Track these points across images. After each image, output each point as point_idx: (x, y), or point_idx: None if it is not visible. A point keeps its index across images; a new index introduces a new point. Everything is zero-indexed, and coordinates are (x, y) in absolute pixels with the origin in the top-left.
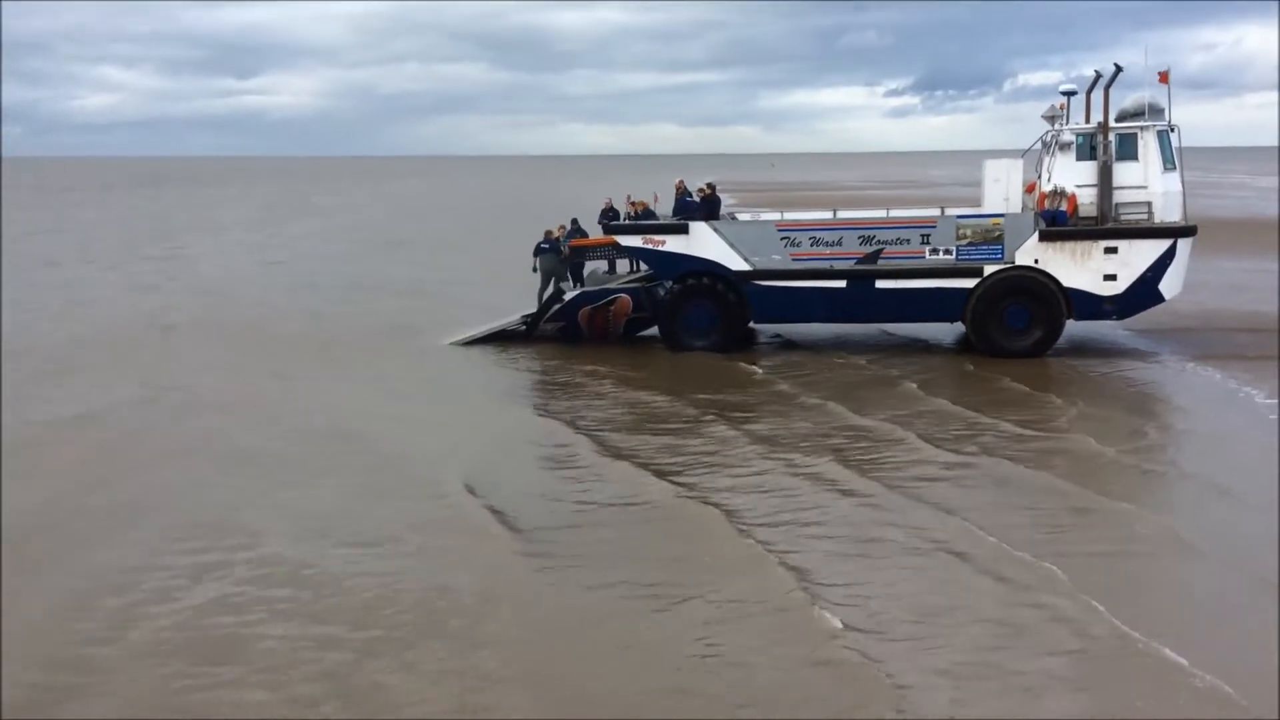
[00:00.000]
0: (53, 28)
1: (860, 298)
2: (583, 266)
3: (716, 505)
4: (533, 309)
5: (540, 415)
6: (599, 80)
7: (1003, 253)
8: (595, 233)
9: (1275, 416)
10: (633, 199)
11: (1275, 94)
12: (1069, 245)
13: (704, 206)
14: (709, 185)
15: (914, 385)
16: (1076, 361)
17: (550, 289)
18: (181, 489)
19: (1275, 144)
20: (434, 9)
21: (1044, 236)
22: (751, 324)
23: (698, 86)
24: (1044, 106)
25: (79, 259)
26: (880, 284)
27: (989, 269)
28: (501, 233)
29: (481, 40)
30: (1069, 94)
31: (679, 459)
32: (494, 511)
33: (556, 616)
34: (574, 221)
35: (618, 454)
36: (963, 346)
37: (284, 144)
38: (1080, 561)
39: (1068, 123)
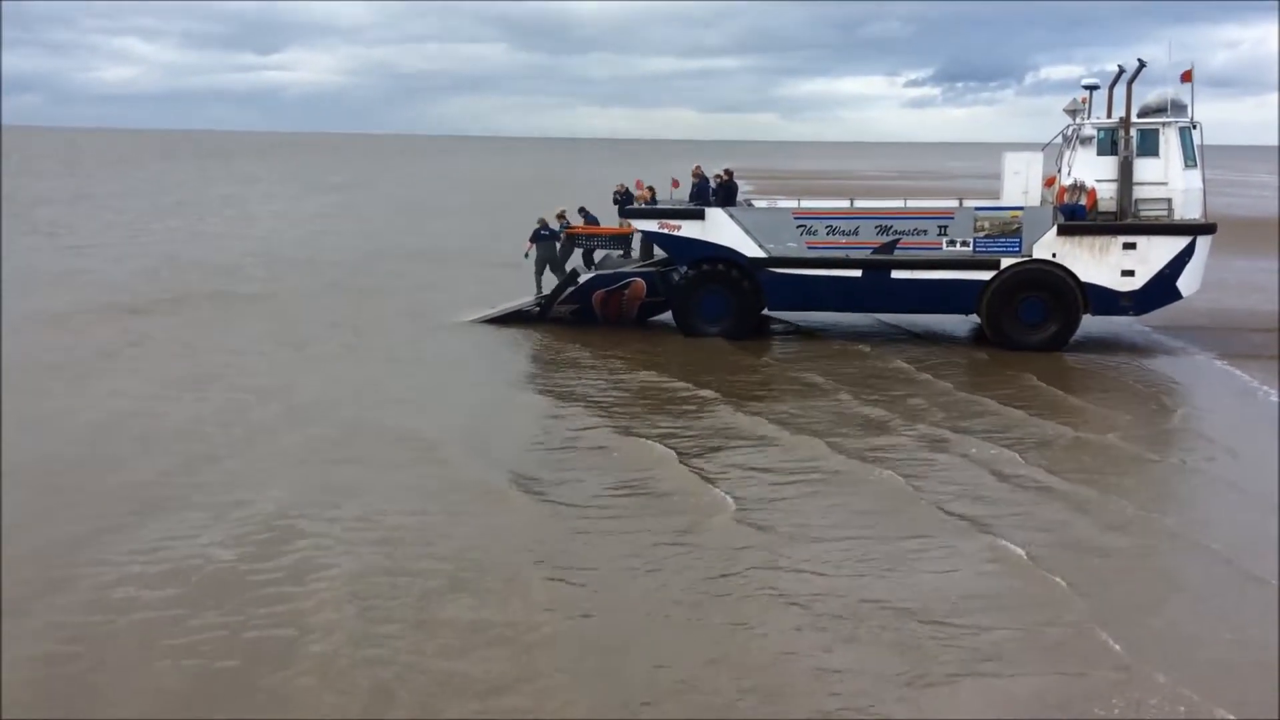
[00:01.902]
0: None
1: (875, 288)
2: (593, 250)
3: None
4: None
5: (541, 394)
6: (617, 64)
7: (1020, 246)
8: (610, 217)
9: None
10: (642, 184)
11: None
12: (1087, 240)
13: (721, 192)
14: (726, 171)
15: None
16: (1092, 356)
17: (546, 276)
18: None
19: None
20: None
21: (1062, 231)
22: (765, 312)
23: (716, 72)
24: (1065, 100)
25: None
26: (896, 274)
27: (1006, 262)
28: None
29: (502, 22)
30: (1091, 88)
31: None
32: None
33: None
34: (582, 210)
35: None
36: (977, 339)
37: (303, 120)
38: None
39: (1089, 117)
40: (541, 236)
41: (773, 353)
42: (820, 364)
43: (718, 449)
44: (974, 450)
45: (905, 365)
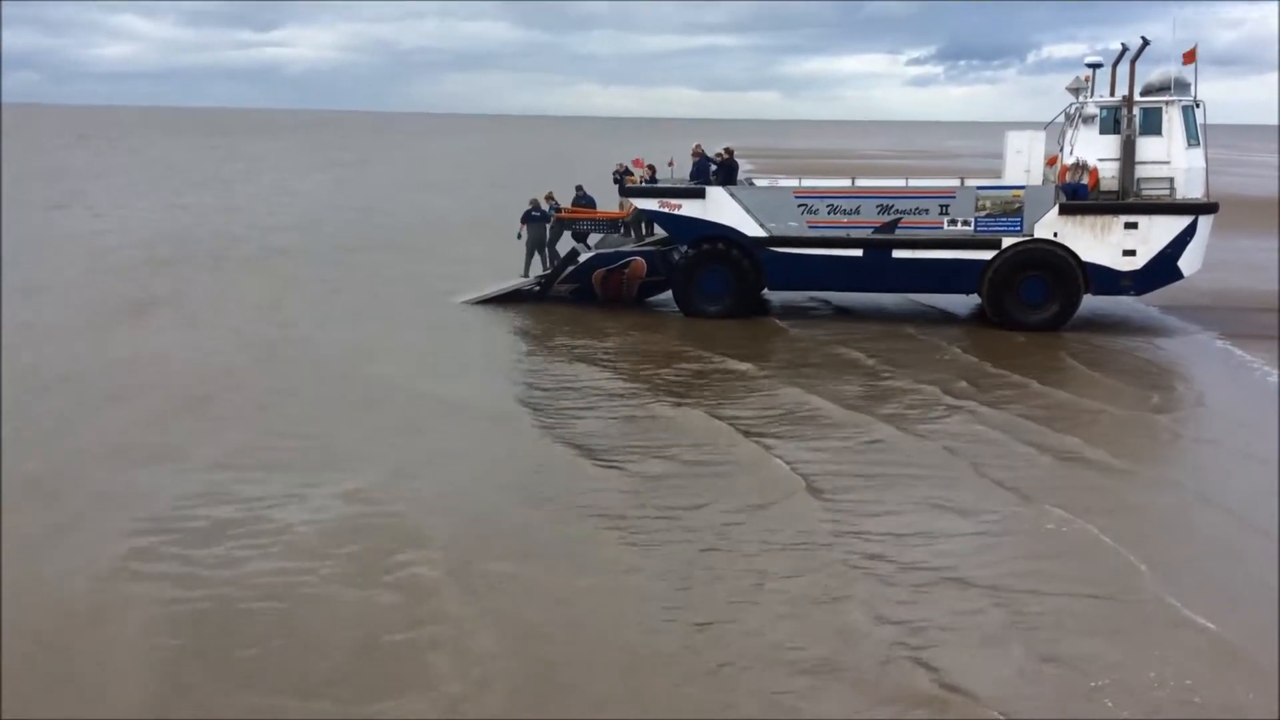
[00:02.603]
0: None
1: (876, 267)
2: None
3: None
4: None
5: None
6: (618, 41)
7: (1022, 225)
8: (608, 195)
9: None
10: (642, 161)
11: None
12: (1089, 219)
13: (721, 171)
14: (726, 150)
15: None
16: (1091, 336)
17: (545, 258)
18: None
19: None
20: None
21: (1064, 210)
22: (765, 291)
23: (717, 50)
24: (1068, 79)
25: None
26: (897, 254)
27: (1007, 241)
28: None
29: None
30: (1094, 66)
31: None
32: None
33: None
34: (579, 188)
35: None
36: (978, 318)
37: (303, 97)
38: None
39: (1092, 95)
40: (533, 218)
41: (816, 331)
42: (866, 344)
43: (779, 424)
44: (1015, 423)
45: (943, 343)
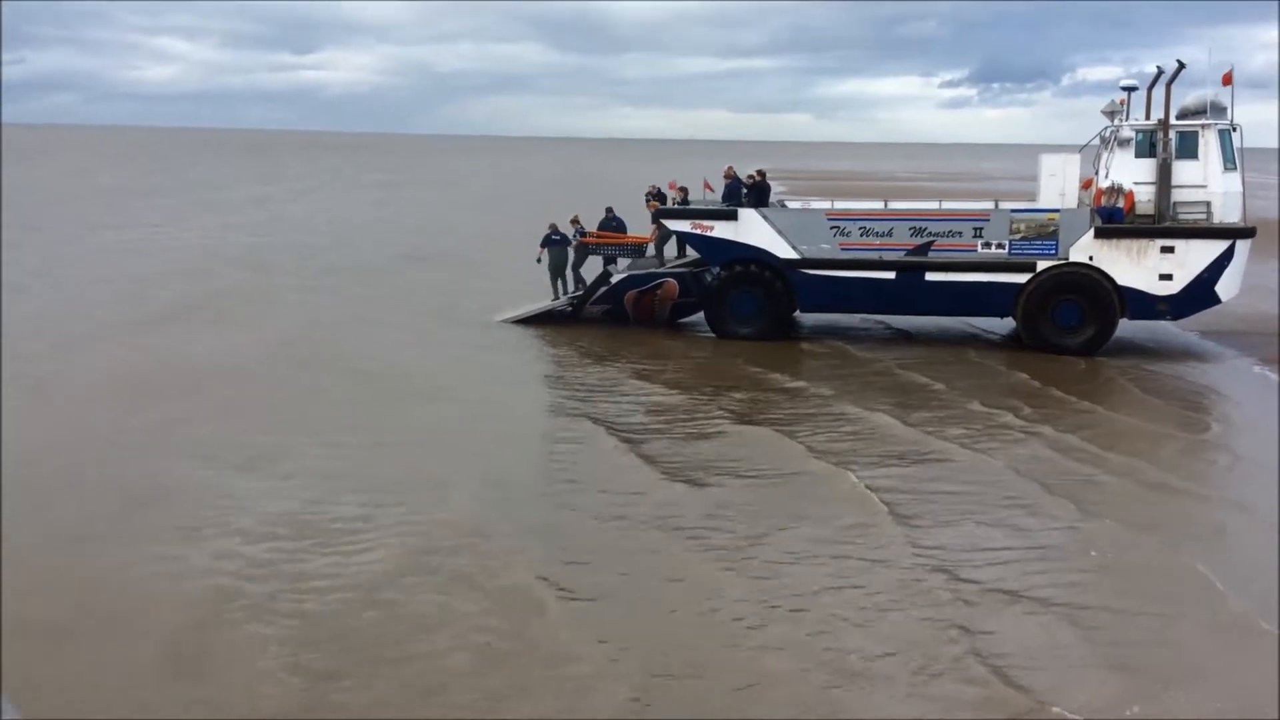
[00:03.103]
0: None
1: (909, 290)
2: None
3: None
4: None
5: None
6: (652, 64)
7: (1057, 248)
8: (639, 217)
9: None
10: (676, 184)
11: None
12: (1125, 243)
13: (753, 193)
14: (759, 172)
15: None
16: (1139, 360)
17: (566, 281)
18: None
19: None
20: None
21: (1099, 233)
22: (797, 313)
23: (751, 73)
24: (1103, 102)
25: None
26: (930, 276)
27: (1042, 264)
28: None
29: (537, 21)
30: (1129, 89)
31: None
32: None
33: None
34: (609, 210)
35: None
36: (1012, 342)
37: (339, 120)
38: None
39: (1127, 119)
40: (552, 242)
41: (879, 354)
42: (930, 368)
43: (848, 443)
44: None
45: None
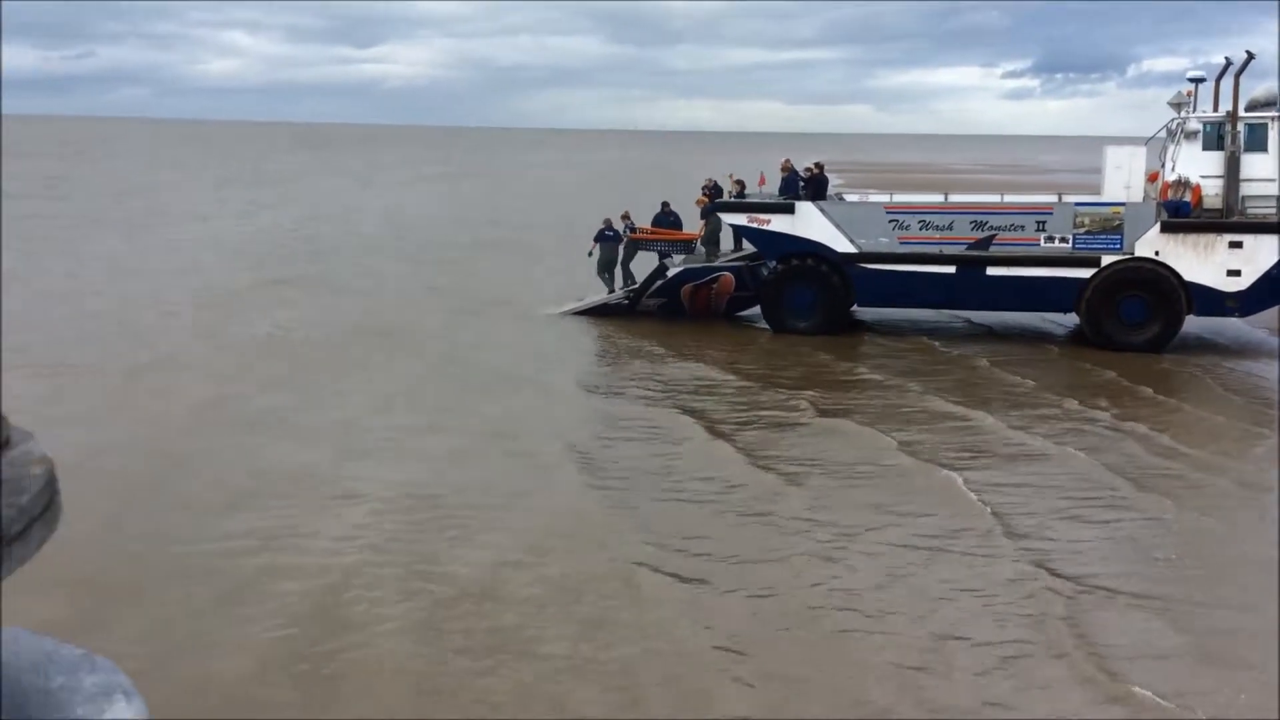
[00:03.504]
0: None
1: (970, 284)
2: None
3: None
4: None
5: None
6: (705, 56)
7: (1122, 243)
8: (693, 213)
9: None
10: (733, 177)
11: None
12: (1192, 238)
13: (810, 186)
14: (816, 165)
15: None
16: (1205, 359)
17: (616, 276)
18: None
19: None
20: None
21: (1166, 228)
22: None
23: (806, 64)
24: (1170, 93)
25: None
26: (991, 271)
27: (1107, 259)
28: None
29: (598, 14)
30: (1197, 81)
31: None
32: None
33: None
34: (664, 205)
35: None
36: (1076, 338)
37: (400, 113)
38: None
39: (1195, 110)
40: (605, 237)
41: (966, 348)
42: (1020, 368)
43: (938, 435)
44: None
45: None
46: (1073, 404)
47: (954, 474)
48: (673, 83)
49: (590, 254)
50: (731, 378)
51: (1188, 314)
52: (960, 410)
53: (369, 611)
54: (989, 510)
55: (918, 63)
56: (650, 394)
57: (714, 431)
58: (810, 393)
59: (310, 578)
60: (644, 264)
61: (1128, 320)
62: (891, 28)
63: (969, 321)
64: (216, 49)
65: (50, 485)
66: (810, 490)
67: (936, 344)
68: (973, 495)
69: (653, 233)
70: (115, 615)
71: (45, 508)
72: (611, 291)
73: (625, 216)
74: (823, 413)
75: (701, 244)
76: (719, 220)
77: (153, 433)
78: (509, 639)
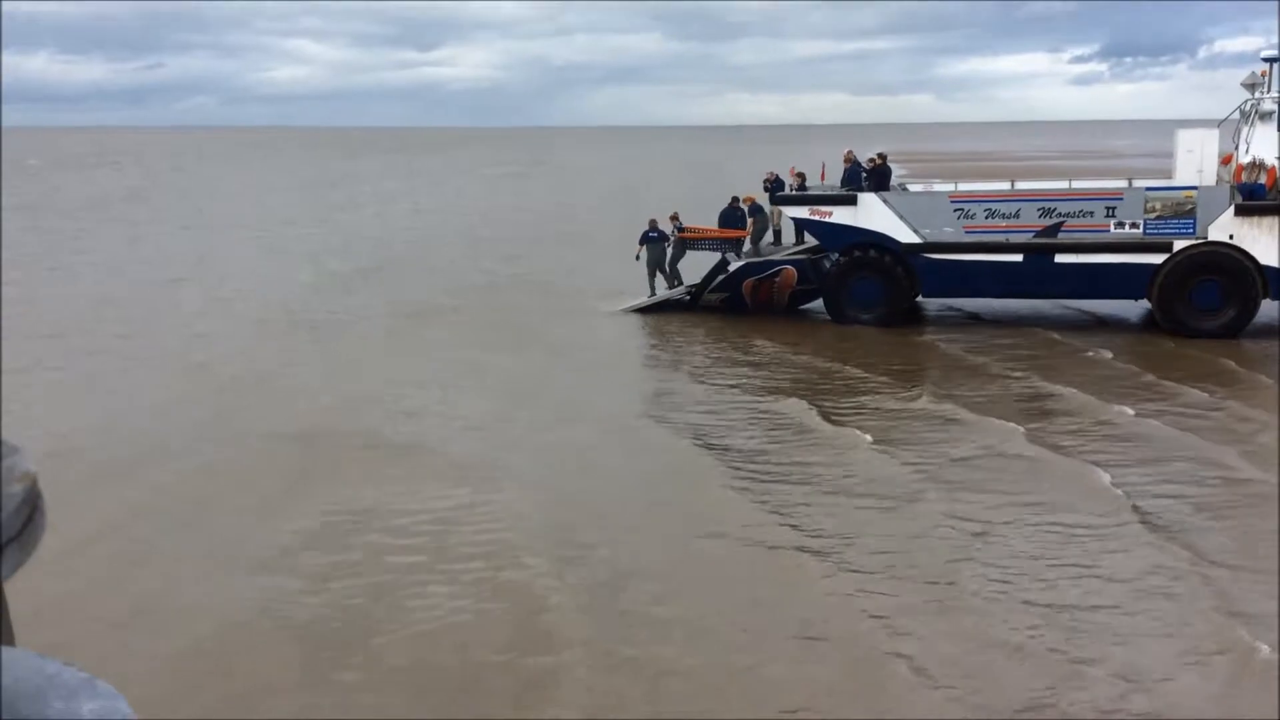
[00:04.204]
0: (250, 4)
1: (1038, 272)
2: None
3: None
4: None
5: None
6: (768, 49)
7: (1194, 227)
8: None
9: None
10: (795, 170)
11: None
12: (1267, 220)
13: (873, 177)
14: (879, 155)
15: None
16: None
17: (664, 276)
18: None
19: None
20: None
21: (1240, 211)
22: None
23: (870, 54)
24: (1243, 74)
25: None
26: (1060, 259)
27: (1179, 244)
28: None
29: (656, 11)
30: (1271, 60)
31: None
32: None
33: None
34: (733, 199)
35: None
36: (1149, 325)
37: (462, 115)
38: None
39: (1269, 91)
40: (650, 239)
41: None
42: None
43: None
44: None
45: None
46: (1199, 394)
47: (1091, 465)
48: (737, 77)
49: (638, 257)
50: (849, 369)
51: (1264, 298)
52: (1092, 401)
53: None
54: (1130, 505)
55: (981, 50)
56: (762, 382)
57: (836, 421)
58: (941, 386)
59: None
60: (690, 263)
61: (1201, 306)
62: (954, 16)
63: (1082, 311)
64: (282, 56)
65: (30, 503)
66: (952, 481)
67: (1056, 335)
68: (1119, 491)
69: (701, 232)
70: None
71: (21, 529)
72: (653, 293)
73: (674, 218)
74: (947, 401)
75: (751, 241)
76: (766, 218)
77: None
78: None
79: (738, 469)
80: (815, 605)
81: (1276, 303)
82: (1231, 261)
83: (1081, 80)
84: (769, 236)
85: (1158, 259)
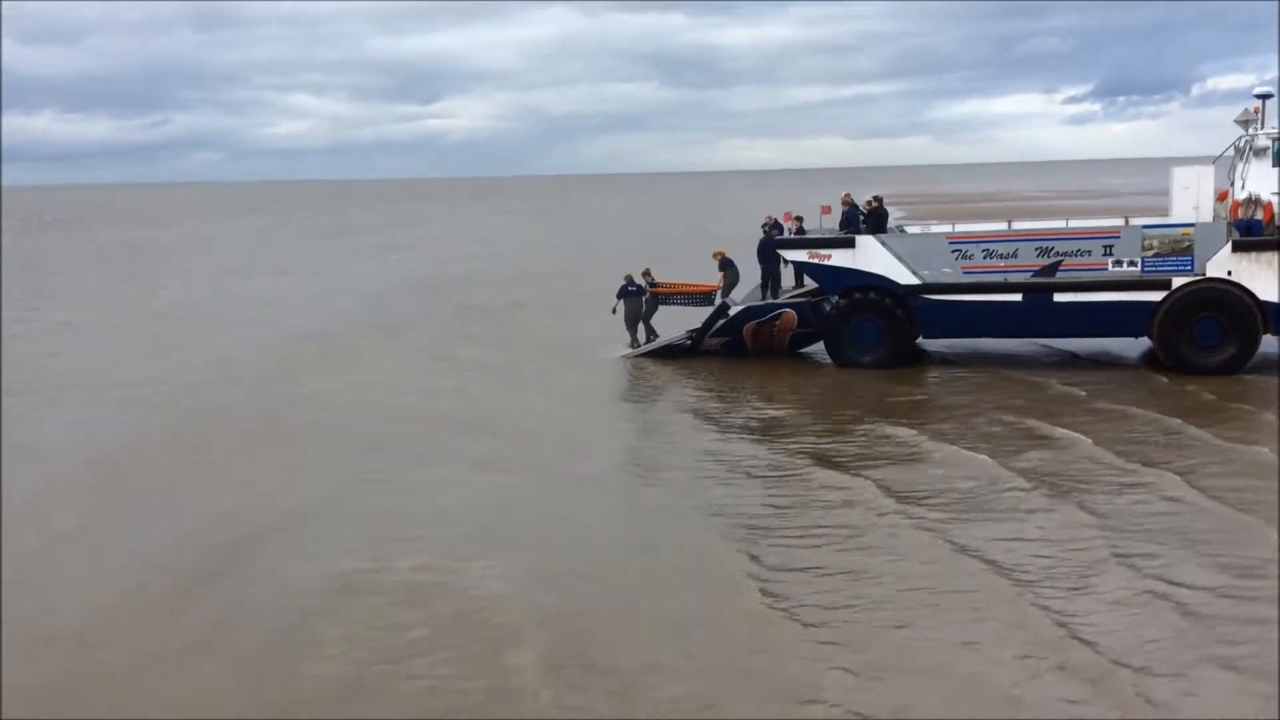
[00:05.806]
0: (249, 59)
1: (1037, 312)
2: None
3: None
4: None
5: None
6: (764, 95)
7: (1192, 264)
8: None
9: None
10: (790, 215)
11: None
12: (1265, 256)
13: (871, 220)
14: (876, 198)
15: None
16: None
17: (640, 330)
18: None
19: None
20: (600, 34)
21: (1238, 247)
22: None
23: (866, 99)
24: (1236, 111)
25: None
26: (1059, 297)
27: (1178, 281)
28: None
29: (652, 60)
30: (1264, 97)
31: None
32: None
33: None
34: (782, 222)
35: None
36: (1150, 362)
37: (462, 165)
38: None
39: (1263, 127)
40: (628, 293)
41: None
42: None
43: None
44: None
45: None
46: (1211, 437)
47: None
48: (733, 125)
49: (614, 311)
50: (842, 410)
51: (1265, 334)
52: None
53: None
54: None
55: (976, 92)
56: (756, 432)
57: (852, 471)
58: (937, 425)
59: None
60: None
61: (1202, 343)
62: (949, 59)
63: (1074, 355)
64: (283, 111)
65: None
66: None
67: (1110, 389)
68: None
69: (672, 287)
70: None
71: None
72: (634, 344)
73: (646, 273)
74: (1020, 435)
75: (721, 295)
76: (737, 272)
77: None
78: None
79: (747, 523)
80: None
81: (1277, 338)
82: (1231, 298)
83: (1076, 120)
84: (716, 297)
85: (1156, 296)
